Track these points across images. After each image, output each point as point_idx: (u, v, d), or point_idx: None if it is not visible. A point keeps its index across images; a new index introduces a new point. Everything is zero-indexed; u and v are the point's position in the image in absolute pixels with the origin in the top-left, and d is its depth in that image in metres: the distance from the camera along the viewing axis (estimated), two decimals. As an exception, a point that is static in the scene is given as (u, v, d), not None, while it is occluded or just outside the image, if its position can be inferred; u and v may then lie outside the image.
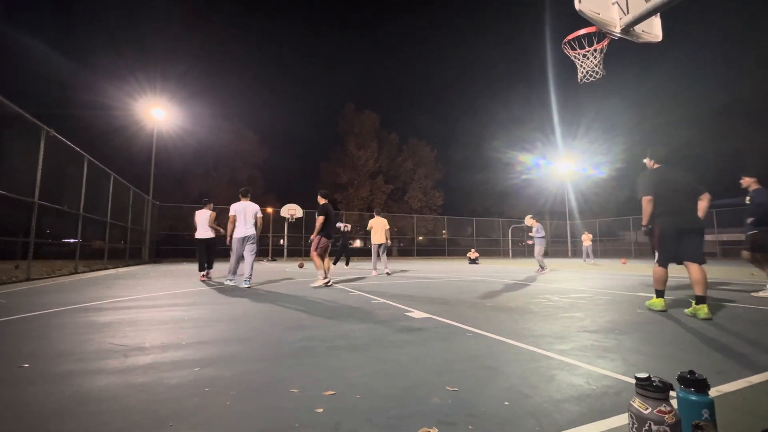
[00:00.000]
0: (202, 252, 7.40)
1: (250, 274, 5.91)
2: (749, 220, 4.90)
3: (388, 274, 8.65)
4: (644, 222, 3.72)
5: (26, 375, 1.79)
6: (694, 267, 3.39)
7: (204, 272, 7.21)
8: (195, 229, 7.56)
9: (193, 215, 7.79)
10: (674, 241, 3.50)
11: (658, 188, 3.62)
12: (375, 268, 8.84)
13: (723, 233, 25.55)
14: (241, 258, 6.14)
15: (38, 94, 29.06)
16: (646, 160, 3.93)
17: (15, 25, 32.80)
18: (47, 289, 5.50)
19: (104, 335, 2.60)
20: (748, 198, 4.99)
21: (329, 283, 5.94)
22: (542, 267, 9.95)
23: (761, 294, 4.66)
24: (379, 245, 8.83)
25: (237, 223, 6.10)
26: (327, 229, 6.24)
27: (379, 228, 8.88)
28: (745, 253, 5.07)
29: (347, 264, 12.55)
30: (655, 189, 3.62)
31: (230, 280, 6.12)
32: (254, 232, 6.13)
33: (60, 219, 8.72)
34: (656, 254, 3.67)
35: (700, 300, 3.26)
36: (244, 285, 5.73)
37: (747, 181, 5.03)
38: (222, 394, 1.54)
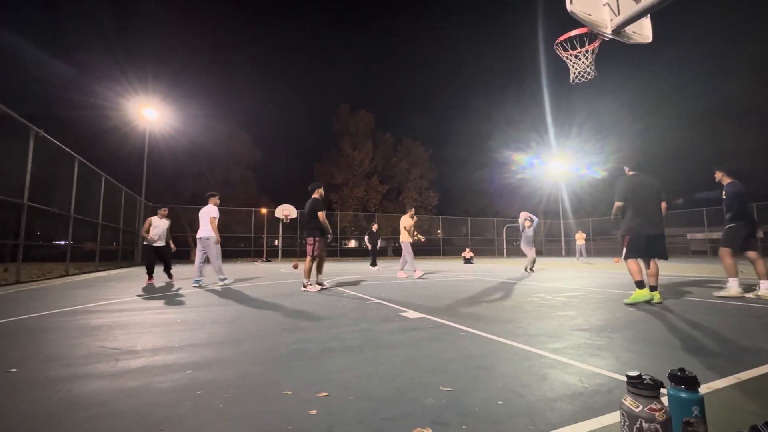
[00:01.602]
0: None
1: (219, 274, 6.43)
2: (727, 215, 4.63)
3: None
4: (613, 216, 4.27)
5: (14, 380, 1.76)
6: (655, 262, 4.08)
7: (150, 277, 6.78)
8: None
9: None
10: (644, 241, 4.02)
11: (633, 193, 4.08)
12: (401, 269, 8.23)
13: (713, 231, 25.89)
14: (206, 260, 6.47)
15: (27, 93, 28.64)
16: (626, 168, 4.34)
17: (2, 23, 32.30)
18: (37, 292, 5.42)
19: (95, 339, 2.56)
20: (724, 193, 4.72)
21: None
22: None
23: (721, 293, 4.45)
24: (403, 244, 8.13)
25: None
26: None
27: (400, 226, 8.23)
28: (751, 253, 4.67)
29: (375, 265, 11.90)
30: (629, 194, 4.08)
31: (195, 281, 6.29)
32: (205, 234, 6.40)
33: (50, 221, 8.61)
34: (624, 251, 4.10)
35: (654, 288, 3.94)
36: (219, 283, 6.29)
37: (718, 175, 4.85)
38: (214, 398, 1.52)
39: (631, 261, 4.05)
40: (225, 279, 6.48)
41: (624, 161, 4.40)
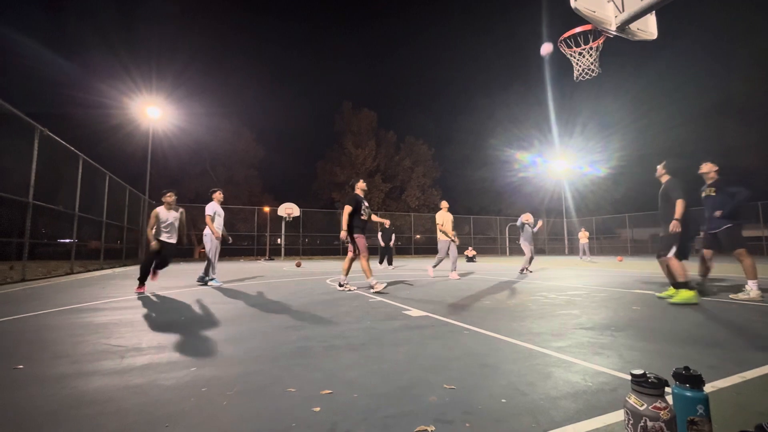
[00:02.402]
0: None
1: (208, 273, 6.20)
2: (717, 213, 4.29)
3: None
4: (679, 217, 3.99)
5: (21, 377, 1.77)
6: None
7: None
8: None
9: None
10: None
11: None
12: (454, 269, 7.33)
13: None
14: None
15: (31, 92, 28.84)
16: (660, 167, 4.35)
17: (6, 22, 32.47)
18: (42, 290, 5.46)
19: (100, 336, 2.58)
20: (712, 189, 4.40)
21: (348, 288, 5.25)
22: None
23: (741, 296, 4.10)
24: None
25: None
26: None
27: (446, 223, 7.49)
28: (708, 252, 4.62)
29: (387, 264, 11.31)
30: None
31: (199, 279, 6.34)
32: (204, 231, 6.37)
33: (55, 219, 8.65)
34: (674, 249, 4.01)
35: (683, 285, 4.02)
36: (208, 283, 6.15)
37: (709, 167, 4.46)
38: (219, 395, 1.53)
39: (677, 261, 3.99)
40: (212, 279, 6.15)
41: (665, 164, 4.33)
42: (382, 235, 11.57)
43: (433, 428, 1.24)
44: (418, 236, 32.92)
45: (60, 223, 8.83)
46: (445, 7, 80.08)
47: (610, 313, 3.38)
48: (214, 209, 6.35)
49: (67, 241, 9.08)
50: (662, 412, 1.01)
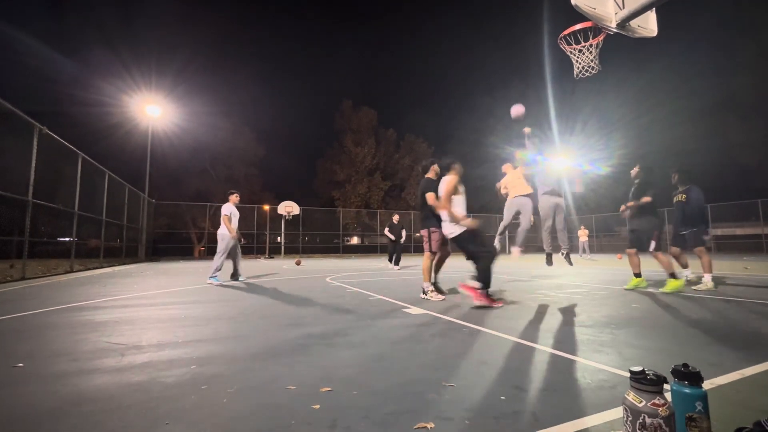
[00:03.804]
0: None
1: (211, 271, 6.28)
2: (691, 220, 4.97)
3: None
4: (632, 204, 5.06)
5: (21, 375, 1.78)
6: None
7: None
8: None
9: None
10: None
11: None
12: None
13: (718, 228, 25.76)
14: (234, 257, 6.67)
15: (30, 90, 28.79)
16: (634, 171, 5.19)
17: (4, 19, 32.38)
18: (42, 288, 5.47)
19: (100, 334, 2.58)
20: (683, 196, 5.03)
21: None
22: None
23: (701, 287, 4.67)
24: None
25: None
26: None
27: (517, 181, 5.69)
28: (675, 250, 5.35)
29: (394, 263, 10.26)
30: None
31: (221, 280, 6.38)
32: (219, 230, 6.49)
33: (55, 218, 8.64)
34: (653, 243, 4.81)
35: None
36: (207, 280, 6.24)
37: (635, 171, 5.22)
38: (219, 392, 1.54)
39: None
40: (214, 278, 6.14)
41: (639, 167, 5.12)
42: (390, 230, 10.43)
43: (433, 425, 1.24)
44: (418, 234, 32.89)
45: (60, 221, 8.82)
46: (444, 5, 79.96)
47: (610, 310, 3.39)
48: (230, 210, 6.52)
49: (67, 239, 9.09)
50: (661, 409, 1.01)
